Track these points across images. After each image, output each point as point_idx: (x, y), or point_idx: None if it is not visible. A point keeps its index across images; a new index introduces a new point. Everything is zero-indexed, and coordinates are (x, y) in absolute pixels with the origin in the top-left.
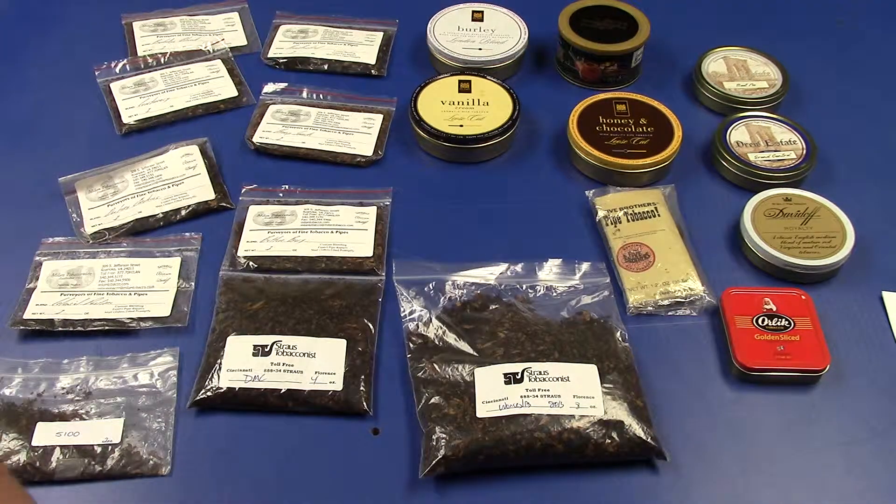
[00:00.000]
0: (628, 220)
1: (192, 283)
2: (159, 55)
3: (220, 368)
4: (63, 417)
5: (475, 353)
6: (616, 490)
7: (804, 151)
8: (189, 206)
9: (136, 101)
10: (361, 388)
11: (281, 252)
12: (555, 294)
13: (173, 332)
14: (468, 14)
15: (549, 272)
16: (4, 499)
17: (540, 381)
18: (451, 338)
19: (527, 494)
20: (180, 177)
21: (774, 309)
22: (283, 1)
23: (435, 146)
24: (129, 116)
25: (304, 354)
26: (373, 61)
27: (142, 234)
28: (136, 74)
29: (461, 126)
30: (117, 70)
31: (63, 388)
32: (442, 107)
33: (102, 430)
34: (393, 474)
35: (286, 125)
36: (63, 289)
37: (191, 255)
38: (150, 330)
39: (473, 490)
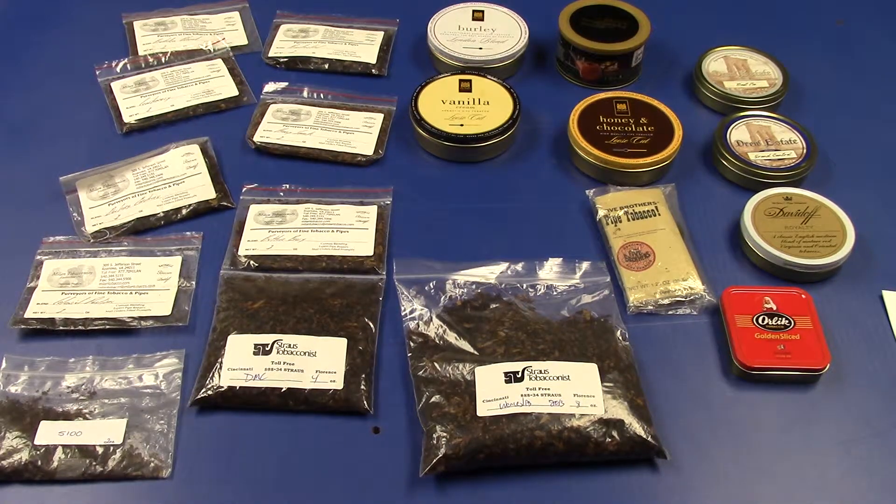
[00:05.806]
0: (628, 220)
1: (193, 282)
2: (160, 54)
3: (220, 367)
4: (67, 416)
5: (476, 352)
6: (616, 489)
7: (804, 151)
8: (190, 205)
9: (136, 100)
10: (362, 386)
11: (282, 251)
12: (555, 293)
13: (174, 331)
14: (468, 13)
15: (550, 271)
16: None
17: (540, 379)
18: (451, 336)
19: (527, 493)
20: (181, 176)
21: (775, 308)
22: (284, 0)
23: (435, 145)
24: (129, 116)
25: (304, 353)
26: (373, 61)
27: (142, 233)
28: (136, 74)
29: (461, 125)
30: (118, 69)
31: (68, 387)
32: (442, 106)
33: (105, 431)
34: (393, 473)
35: (287, 124)
36: (64, 288)
37: (191, 255)
38: (151, 329)
39: (474, 489)
